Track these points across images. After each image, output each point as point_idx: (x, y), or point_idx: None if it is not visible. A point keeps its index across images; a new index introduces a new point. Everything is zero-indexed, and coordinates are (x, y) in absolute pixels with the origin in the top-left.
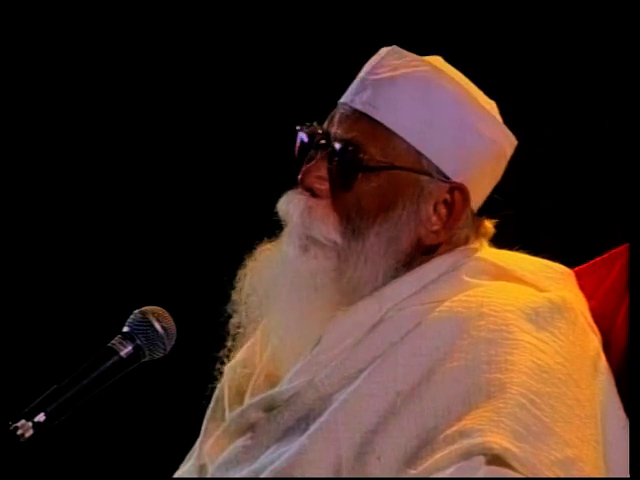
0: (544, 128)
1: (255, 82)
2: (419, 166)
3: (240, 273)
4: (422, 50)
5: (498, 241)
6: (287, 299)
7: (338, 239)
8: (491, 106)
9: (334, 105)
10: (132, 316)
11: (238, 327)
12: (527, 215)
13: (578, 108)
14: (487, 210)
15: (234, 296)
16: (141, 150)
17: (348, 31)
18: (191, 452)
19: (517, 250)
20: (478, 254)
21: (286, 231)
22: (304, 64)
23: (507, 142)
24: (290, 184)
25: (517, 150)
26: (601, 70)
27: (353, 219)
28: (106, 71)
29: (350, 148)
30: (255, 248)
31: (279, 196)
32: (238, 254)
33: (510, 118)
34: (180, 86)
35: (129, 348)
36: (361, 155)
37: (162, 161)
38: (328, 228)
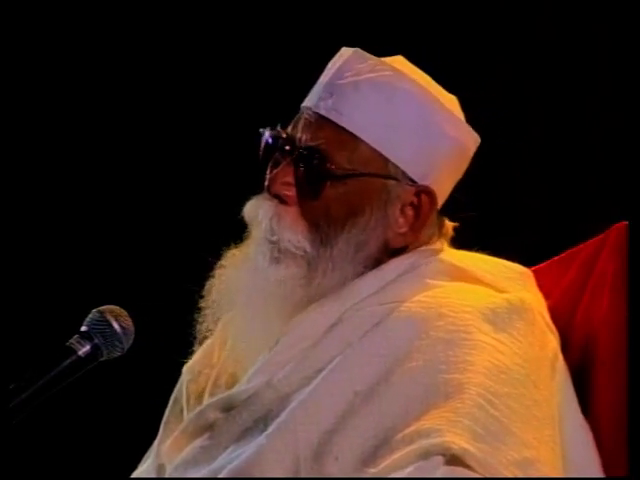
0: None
1: (216, 86)
2: (385, 171)
3: (207, 279)
4: (409, 49)
5: (458, 242)
6: (254, 308)
7: (307, 247)
8: (453, 103)
9: (296, 107)
10: (90, 315)
11: (206, 332)
12: (486, 215)
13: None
14: (449, 211)
15: (202, 302)
16: (108, 153)
17: (314, 32)
18: (149, 452)
19: (476, 251)
20: (437, 255)
21: (254, 238)
22: (265, 67)
23: (471, 141)
24: (254, 187)
25: (478, 150)
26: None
27: (322, 227)
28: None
29: (316, 156)
30: (221, 251)
31: (243, 199)
32: (203, 255)
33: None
34: (143, 92)
35: (87, 347)
36: (328, 164)
37: (128, 165)
38: (298, 237)
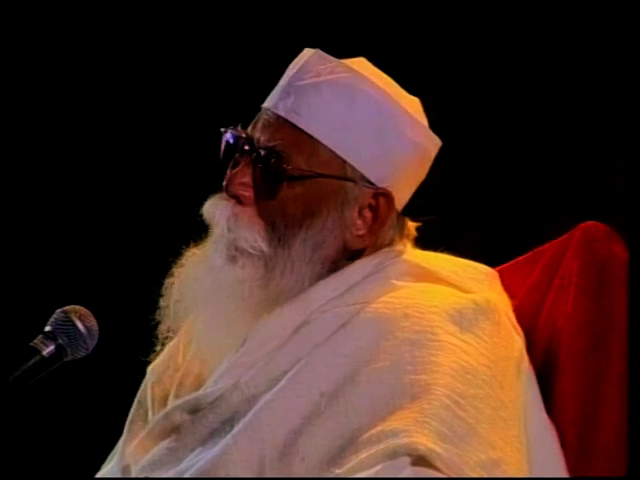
0: (467, 129)
1: (177, 84)
2: (343, 173)
3: (167, 279)
4: (352, 47)
5: (423, 243)
6: (214, 308)
7: (265, 247)
8: (414, 106)
9: (258, 106)
10: (54, 315)
11: (167, 332)
12: (450, 216)
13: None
14: (412, 213)
15: (162, 302)
16: (69, 152)
17: (271, 33)
18: (113, 452)
19: (442, 251)
20: (402, 256)
21: (212, 237)
22: (228, 67)
23: (431, 144)
24: (217, 186)
25: (442, 151)
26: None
27: (279, 226)
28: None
29: (274, 156)
30: (181, 250)
31: (204, 198)
32: (166, 254)
33: (434, 119)
34: (104, 87)
35: (51, 347)
36: (285, 165)
37: (90, 164)
38: (254, 236)
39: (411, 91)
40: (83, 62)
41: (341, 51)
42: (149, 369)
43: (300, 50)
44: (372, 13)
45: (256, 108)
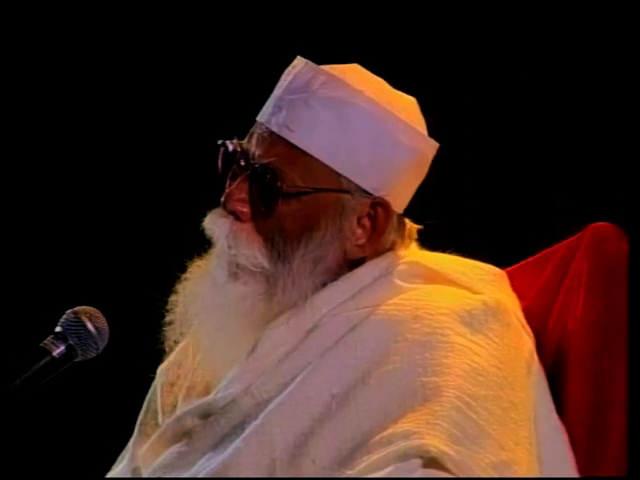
0: (467, 129)
1: (179, 93)
2: (338, 185)
3: (172, 295)
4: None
5: (424, 243)
6: (218, 325)
7: (265, 264)
8: (409, 108)
9: (255, 114)
10: (64, 316)
11: (174, 344)
12: (450, 216)
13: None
14: (413, 214)
15: (168, 316)
16: (81, 164)
17: (271, 29)
18: (123, 453)
19: (450, 252)
20: (411, 258)
21: (216, 251)
22: (226, 75)
23: (428, 147)
24: (217, 198)
25: (442, 152)
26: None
27: (277, 243)
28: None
29: (269, 173)
30: (186, 252)
31: (211, 206)
32: (171, 253)
33: (434, 119)
34: (108, 99)
35: (61, 348)
36: (279, 183)
37: (98, 173)
38: (254, 253)
39: (411, 91)
40: (85, 75)
41: (341, 51)
42: (159, 370)
43: (299, 52)
44: (372, 13)
45: (254, 116)
